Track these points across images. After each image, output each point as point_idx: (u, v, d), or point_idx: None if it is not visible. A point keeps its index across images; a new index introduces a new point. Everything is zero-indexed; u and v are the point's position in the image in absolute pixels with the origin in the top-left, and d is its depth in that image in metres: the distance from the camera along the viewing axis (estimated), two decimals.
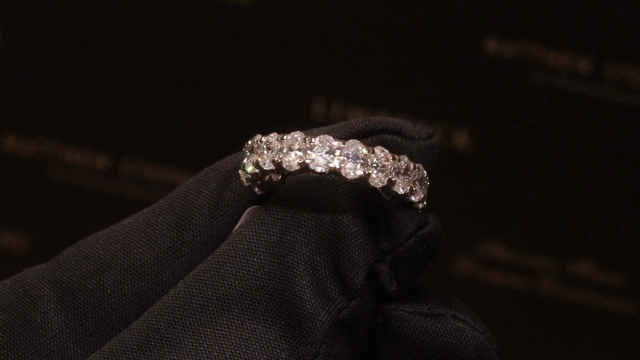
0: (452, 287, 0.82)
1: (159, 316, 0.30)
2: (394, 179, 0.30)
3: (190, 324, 0.29)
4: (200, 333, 0.29)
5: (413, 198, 0.31)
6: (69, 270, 0.32)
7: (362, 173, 0.29)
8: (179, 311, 0.30)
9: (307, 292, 0.29)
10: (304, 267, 0.30)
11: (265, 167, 0.30)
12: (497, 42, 0.79)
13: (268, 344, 0.29)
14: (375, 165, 0.30)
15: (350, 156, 0.29)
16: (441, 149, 0.85)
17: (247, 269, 0.30)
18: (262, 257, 0.30)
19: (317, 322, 0.29)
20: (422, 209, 0.32)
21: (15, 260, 0.84)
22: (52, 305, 0.31)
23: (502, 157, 0.80)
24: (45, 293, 0.32)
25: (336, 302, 0.30)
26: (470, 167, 0.80)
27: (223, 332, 0.29)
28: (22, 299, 0.32)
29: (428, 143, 0.33)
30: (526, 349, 0.82)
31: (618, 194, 0.80)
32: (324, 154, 0.29)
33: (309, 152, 0.30)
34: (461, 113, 0.80)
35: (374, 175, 0.30)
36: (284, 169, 0.30)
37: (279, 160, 0.30)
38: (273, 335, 0.29)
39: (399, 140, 0.32)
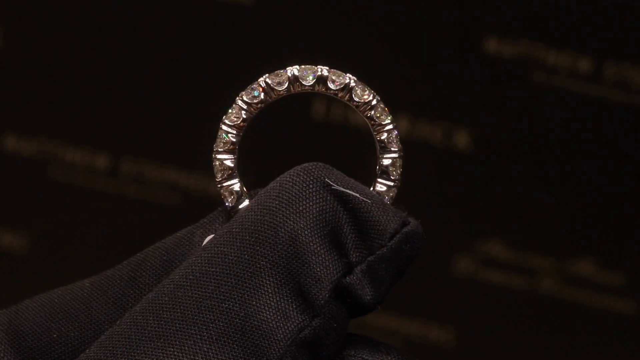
0: (452, 287, 0.82)
1: (115, 341, 0.30)
2: (353, 83, 0.32)
3: (145, 348, 0.29)
4: (154, 356, 0.29)
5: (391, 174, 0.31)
6: (24, 315, 0.33)
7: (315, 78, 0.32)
8: (135, 335, 0.30)
9: (264, 311, 0.29)
10: (261, 286, 0.29)
11: (261, 83, 0.33)
12: (497, 42, 0.79)
13: None
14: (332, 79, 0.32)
15: (304, 68, 0.32)
16: (441, 149, 0.85)
17: (203, 290, 0.29)
18: (218, 277, 0.30)
19: (274, 341, 0.29)
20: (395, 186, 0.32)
21: (15, 260, 0.84)
22: (2, 347, 0.32)
23: (502, 157, 0.80)
24: None
25: (296, 321, 0.29)
26: (470, 167, 0.80)
27: (176, 355, 0.29)
28: None
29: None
30: (526, 349, 0.82)
31: (618, 194, 0.80)
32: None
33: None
34: (461, 113, 0.80)
35: (330, 80, 0.32)
36: (277, 77, 0.32)
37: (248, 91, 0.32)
38: (226, 356, 0.29)
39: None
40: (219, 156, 0.32)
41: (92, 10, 0.81)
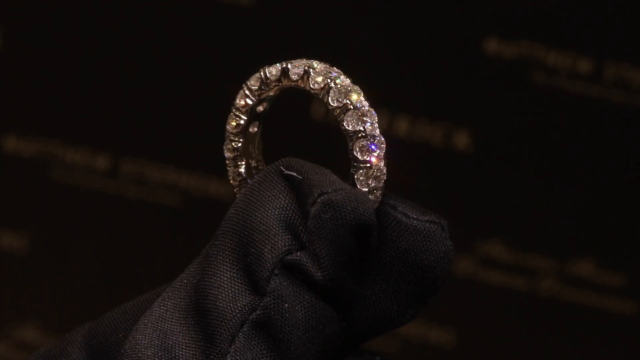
0: (452, 287, 0.82)
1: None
2: (331, 86, 0.32)
3: (126, 326, 0.33)
4: (139, 334, 0.31)
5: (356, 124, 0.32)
6: (103, 320, 0.35)
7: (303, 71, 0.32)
8: (128, 319, 0.34)
9: (215, 294, 0.30)
10: (218, 272, 0.30)
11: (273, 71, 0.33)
12: (497, 42, 0.79)
13: (181, 343, 0.30)
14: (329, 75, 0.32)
15: (302, 65, 0.32)
16: (441, 149, 0.85)
17: (182, 282, 0.31)
18: (192, 271, 0.31)
19: (224, 320, 0.29)
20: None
21: (16, 260, 0.84)
22: (77, 347, 0.34)
23: (502, 157, 0.80)
24: (76, 339, 0.34)
25: (246, 301, 0.30)
26: (470, 167, 0.80)
27: (152, 333, 0.31)
28: (56, 348, 0.34)
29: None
30: (526, 349, 0.82)
31: (618, 194, 0.80)
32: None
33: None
34: (461, 113, 0.80)
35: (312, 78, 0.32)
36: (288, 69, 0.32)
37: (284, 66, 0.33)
38: (189, 336, 0.30)
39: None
40: (228, 139, 0.33)
41: (92, 10, 0.81)
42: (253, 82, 0.33)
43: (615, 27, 0.78)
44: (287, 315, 0.30)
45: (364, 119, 0.31)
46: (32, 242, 0.84)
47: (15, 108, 0.83)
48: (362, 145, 0.31)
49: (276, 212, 0.30)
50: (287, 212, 0.30)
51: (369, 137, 0.31)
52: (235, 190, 0.34)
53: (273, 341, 0.30)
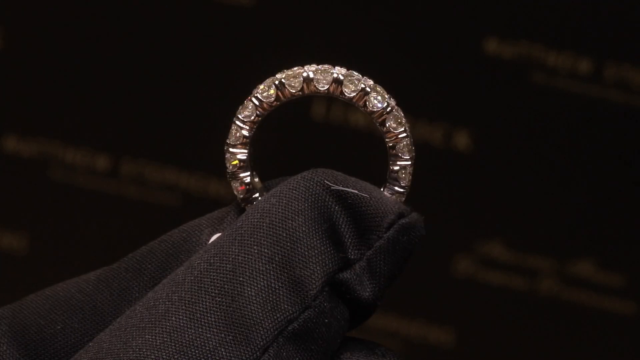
0: (452, 287, 0.82)
1: (115, 332, 0.31)
2: (368, 90, 0.32)
3: (140, 334, 0.30)
4: (149, 342, 0.30)
5: (392, 126, 0.32)
6: (28, 308, 0.34)
7: (334, 84, 0.31)
8: (132, 327, 0.31)
9: (253, 302, 0.30)
10: (254, 280, 0.30)
11: (271, 92, 0.33)
12: (497, 43, 0.79)
13: (209, 349, 0.29)
14: (348, 78, 0.32)
15: (320, 70, 0.31)
16: (441, 149, 0.85)
17: (201, 287, 0.30)
18: (216, 276, 0.30)
19: (261, 329, 0.29)
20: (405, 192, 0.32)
21: (15, 260, 0.84)
22: (5, 340, 0.33)
23: (502, 157, 0.80)
24: (1, 330, 0.33)
25: (286, 313, 0.29)
26: (470, 167, 0.80)
27: (166, 339, 0.30)
28: None
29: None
30: (526, 349, 0.82)
31: (618, 194, 0.80)
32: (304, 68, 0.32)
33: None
34: (461, 113, 0.80)
35: (345, 85, 0.31)
36: (285, 84, 0.32)
37: (257, 93, 0.32)
38: (216, 342, 0.29)
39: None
40: (231, 149, 0.32)
41: (92, 10, 0.81)
42: (265, 95, 0.33)
43: (615, 27, 0.78)
44: (324, 329, 0.30)
45: (402, 120, 0.32)
46: (32, 242, 0.84)
47: (15, 108, 0.83)
48: (406, 144, 0.32)
49: (325, 227, 0.30)
50: (337, 228, 0.30)
51: (409, 136, 0.32)
52: (241, 203, 0.33)
53: (306, 353, 0.30)
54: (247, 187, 0.33)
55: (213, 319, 0.30)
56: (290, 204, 0.31)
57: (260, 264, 0.30)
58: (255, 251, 0.30)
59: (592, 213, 0.80)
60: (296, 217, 0.30)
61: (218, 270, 0.30)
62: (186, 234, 0.34)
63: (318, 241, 0.30)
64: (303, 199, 0.31)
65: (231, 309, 0.30)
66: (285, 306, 0.30)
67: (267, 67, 0.87)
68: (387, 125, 0.32)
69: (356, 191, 0.31)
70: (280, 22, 0.80)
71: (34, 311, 0.33)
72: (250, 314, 0.29)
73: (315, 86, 0.32)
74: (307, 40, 0.80)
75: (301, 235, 0.30)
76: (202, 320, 0.30)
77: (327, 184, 0.31)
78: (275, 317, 0.29)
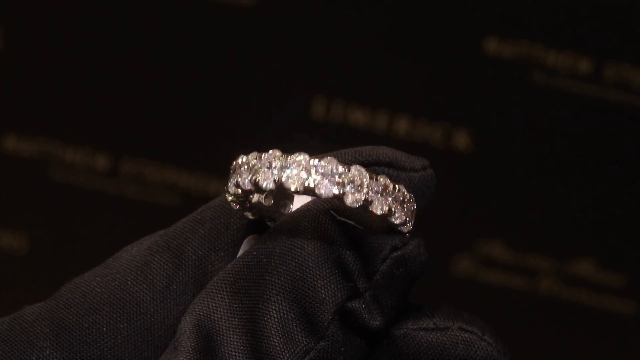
0: (452, 287, 0.82)
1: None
2: (370, 199, 0.30)
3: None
4: None
5: (394, 220, 0.30)
6: (66, 308, 0.32)
7: (337, 192, 0.29)
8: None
9: (272, 335, 0.30)
10: (269, 312, 0.30)
11: (245, 187, 0.30)
12: (497, 42, 0.79)
13: None
14: (351, 184, 0.29)
15: (326, 175, 0.29)
16: (441, 149, 0.85)
17: (217, 326, 0.31)
18: (232, 305, 0.31)
19: None
20: (407, 232, 0.31)
21: (15, 260, 0.84)
22: (48, 343, 0.32)
23: (502, 157, 0.80)
24: (42, 331, 0.32)
25: (302, 344, 0.29)
26: (470, 167, 0.80)
27: None
28: (19, 337, 0.32)
29: (421, 175, 0.33)
30: (526, 349, 0.82)
31: (618, 194, 0.80)
32: (300, 171, 0.29)
33: (285, 170, 0.29)
34: (461, 113, 0.80)
35: (349, 194, 0.29)
36: (261, 188, 0.30)
37: (257, 179, 0.30)
38: None
39: (389, 171, 0.32)
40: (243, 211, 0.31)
41: (92, 10, 0.81)
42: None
43: (615, 27, 0.78)
44: (342, 357, 0.30)
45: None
46: (32, 242, 0.84)
47: (15, 108, 0.83)
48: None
49: (333, 257, 0.30)
50: (344, 258, 0.30)
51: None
52: (248, 216, 0.32)
53: None
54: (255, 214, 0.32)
55: (233, 352, 0.30)
56: (300, 233, 0.31)
57: (273, 294, 0.30)
58: (268, 280, 0.30)
59: (592, 213, 0.80)
60: (306, 247, 0.30)
61: (232, 302, 0.30)
62: (223, 219, 0.33)
63: (328, 270, 0.30)
64: (311, 229, 0.31)
65: (250, 344, 0.30)
66: (301, 337, 0.30)
67: (266, 67, 0.88)
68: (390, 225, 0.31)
69: (353, 223, 0.31)
70: (280, 22, 0.80)
71: (74, 311, 0.32)
72: (269, 348, 0.29)
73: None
74: (307, 41, 0.80)
75: (311, 264, 0.30)
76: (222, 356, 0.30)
77: (333, 214, 0.31)
78: (293, 349, 0.29)
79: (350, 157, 0.32)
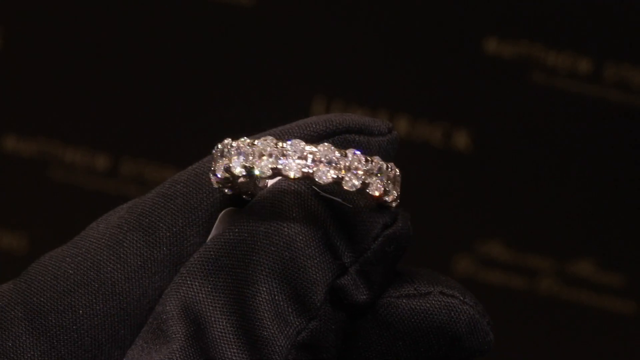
0: None
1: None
2: (367, 181, 0.30)
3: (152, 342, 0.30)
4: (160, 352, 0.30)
5: (387, 198, 0.30)
6: (39, 291, 0.31)
7: (335, 177, 0.29)
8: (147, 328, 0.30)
9: (264, 318, 0.29)
10: (259, 294, 0.30)
11: (236, 172, 0.30)
12: (497, 42, 0.79)
13: None
14: (348, 168, 0.30)
15: (322, 161, 0.29)
16: (441, 149, 0.85)
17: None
18: (217, 284, 0.30)
19: (277, 347, 0.29)
20: (396, 207, 0.31)
21: (15, 260, 0.84)
22: (23, 329, 0.31)
23: (502, 157, 0.80)
24: (16, 316, 0.31)
25: (294, 325, 0.29)
26: (470, 167, 0.80)
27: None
28: None
29: (388, 138, 0.33)
30: (526, 349, 0.82)
31: (618, 194, 0.80)
32: (296, 159, 0.29)
33: (281, 157, 0.30)
34: (461, 113, 0.80)
35: (347, 179, 0.30)
36: (255, 175, 0.30)
37: (250, 166, 0.30)
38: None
39: (360, 138, 0.32)
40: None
41: (92, 10, 0.81)
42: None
43: (615, 27, 0.78)
44: (332, 336, 0.30)
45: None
46: (32, 242, 0.84)
47: (15, 108, 0.83)
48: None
49: (319, 235, 0.30)
50: (331, 236, 0.30)
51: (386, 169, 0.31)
52: (225, 191, 0.32)
53: None
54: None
55: (225, 341, 0.30)
56: (284, 210, 0.30)
57: (261, 276, 0.30)
58: (255, 260, 0.30)
59: (592, 213, 0.80)
60: (292, 225, 0.30)
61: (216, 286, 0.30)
62: (195, 193, 0.32)
63: (316, 249, 0.30)
64: (296, 205, 0.30)
65: (242, 324, 0.29)
66: (293, 318, 0.29)
67: (266, 67, 0.88)
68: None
69: (340, 199, 0.30)
70: (280, 22, 0.80)
71: (47, 295, 0.31)
72: (262, 331, 0.29)
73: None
74: (307, 40, 0.80)
75: (299, 244, 0.30)
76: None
77: (315, 190, 0.31)
78: (287, 331, 0.29)
79: (321, 127, 0.32)
